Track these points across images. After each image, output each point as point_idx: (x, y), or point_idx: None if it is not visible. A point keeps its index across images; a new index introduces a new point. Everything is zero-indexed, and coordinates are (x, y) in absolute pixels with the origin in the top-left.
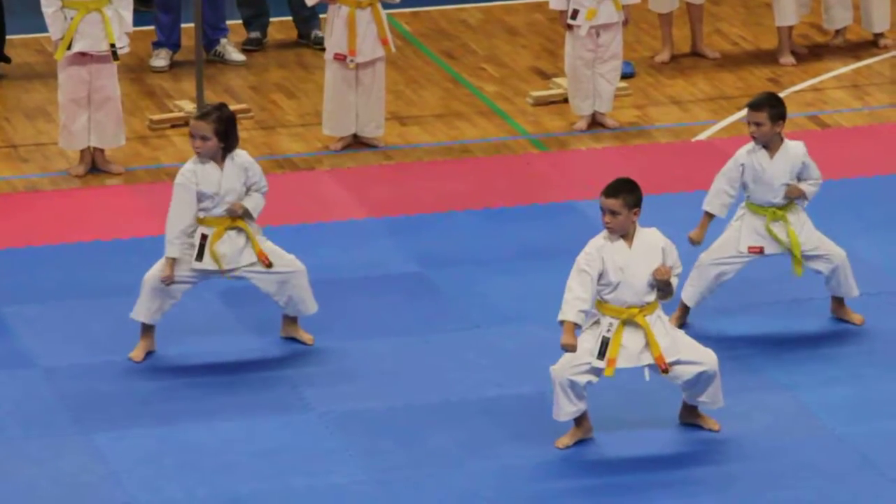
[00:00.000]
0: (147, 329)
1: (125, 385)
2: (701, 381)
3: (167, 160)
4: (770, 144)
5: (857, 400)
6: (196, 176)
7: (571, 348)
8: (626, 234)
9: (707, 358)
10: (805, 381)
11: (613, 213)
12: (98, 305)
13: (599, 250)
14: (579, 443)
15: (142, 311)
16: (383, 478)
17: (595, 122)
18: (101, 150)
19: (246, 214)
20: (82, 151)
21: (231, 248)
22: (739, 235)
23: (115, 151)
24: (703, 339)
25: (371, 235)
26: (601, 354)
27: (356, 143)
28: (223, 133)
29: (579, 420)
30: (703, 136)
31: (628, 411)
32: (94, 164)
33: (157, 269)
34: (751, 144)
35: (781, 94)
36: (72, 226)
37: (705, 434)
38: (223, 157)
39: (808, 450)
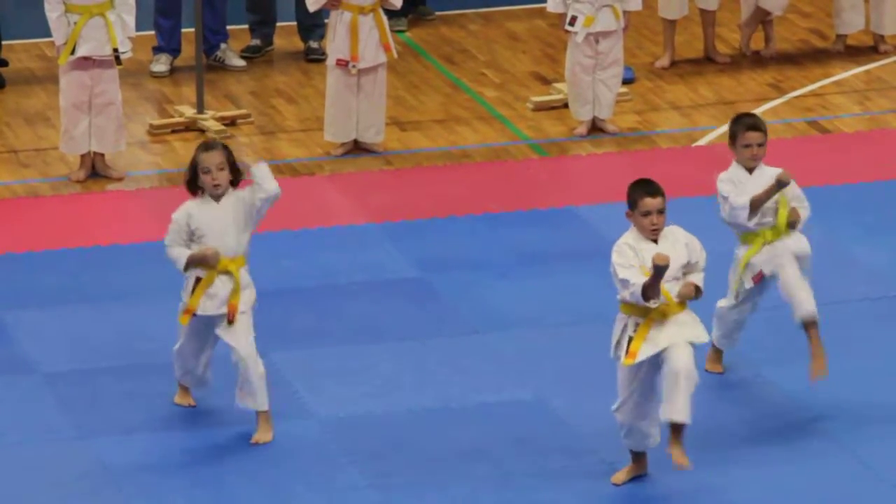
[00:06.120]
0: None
1: (125, 391)
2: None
3: (167, 165)
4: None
5: (857, 405)
6: (191, 217)
7: (664, 258)
8: None
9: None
10: (805, 384)
11: (661, 211)
12: (99, 311)
13: (632, 248)
14: (634, 479)
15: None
16: (383, 483)
17: (595, 128)
18: (102, 155)
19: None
20: (83, 156)
21: (223, 292)
22: (742, 277)
23: (116, 156)
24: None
25: (371, 240)
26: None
27: (356, 148)
28: (233, 163)
29: (638, 456)
30: (703, 142)
31: None
32: (95, 169)
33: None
34: (730, 170)
35: (782, 99)
36: (72, 231)
37: (707, 444)
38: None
39: (808, 455)
